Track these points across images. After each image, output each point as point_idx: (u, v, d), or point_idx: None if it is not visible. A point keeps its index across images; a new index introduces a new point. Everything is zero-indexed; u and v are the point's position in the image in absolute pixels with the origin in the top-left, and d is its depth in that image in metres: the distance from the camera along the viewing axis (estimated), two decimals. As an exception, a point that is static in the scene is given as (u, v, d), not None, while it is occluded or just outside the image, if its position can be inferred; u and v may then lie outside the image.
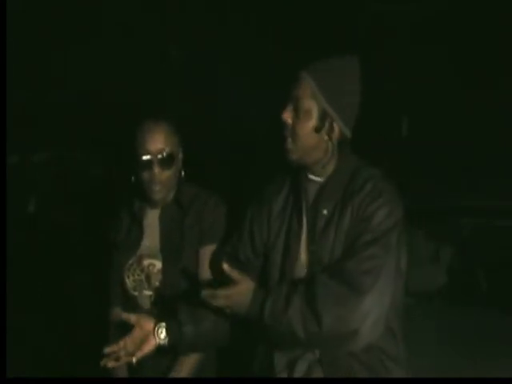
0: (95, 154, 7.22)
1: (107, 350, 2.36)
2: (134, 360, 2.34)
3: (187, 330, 2.39)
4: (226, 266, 2.21)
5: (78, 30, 7.63)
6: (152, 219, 2.76)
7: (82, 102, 7.42)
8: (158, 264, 2.69)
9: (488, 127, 6.73)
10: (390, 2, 7.68)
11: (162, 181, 2.66)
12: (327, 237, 2.29)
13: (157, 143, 2.64)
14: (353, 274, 2.19)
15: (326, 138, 2.32)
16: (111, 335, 2.79)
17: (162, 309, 2.45)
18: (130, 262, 2.73)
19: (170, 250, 2.68)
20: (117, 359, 2.35)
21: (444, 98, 7.07)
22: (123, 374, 2.76)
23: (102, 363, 2.35)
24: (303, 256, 2.33)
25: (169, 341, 2.37)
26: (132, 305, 2.71)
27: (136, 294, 2.70)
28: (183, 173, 2.74)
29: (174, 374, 2.66)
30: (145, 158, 2.64)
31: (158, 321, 2.38)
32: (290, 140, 2.33)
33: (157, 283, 2.68)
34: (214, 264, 2.56)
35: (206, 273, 2.61)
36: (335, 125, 2.32)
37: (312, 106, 2.31)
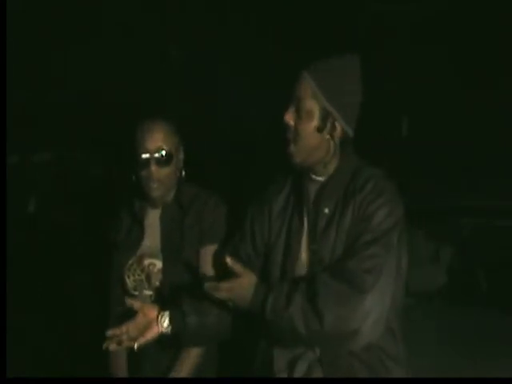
0: (95, 154, 7.22)
1: (110, 332, 2.36)
2: (136, 345, 2.34)
3: (190, 320, 2.39)
4: (229, 259, 2.22)
5: (78, 30, 7.62)
6: (153, 219, 2.76)
7: (82, 101, 7.42)
8: (159, 264, 2.69)
9: (488, 127, 6.73)
10: (390, 2, 7.68)
11: (159, 179, 2.67)
12: (328, 236, 2.29)
13: (155, 142, 2.66)
14: (354, 273, 2.19)
15: (328, 137, 2.32)
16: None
17: (164, 306, 2.44)
18: (131, 261, 2.74)
19: (170, 249, 2.69)
20: (119, 343, 2.34)
21: (444, 98, 7.07)
22: (123, 374, 2.77)
23: (104, 346, 2.36)
24: (304, 255, 2.34)
25: (171, 329, 2.38)
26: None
27: (136, 293, 2.70)
28: (183, 173, 2.74)
29: (174, 374, 2.66)
30: (143, 156, 2.65)
31: (161, 309, 2.38)
32: (292, 143, 2.33)
33: (157, 283, 2.68)
34: (216, 263, 2.56)
35: (206, 272, 2.62)
36: (337, 124, 2.32)
37: (313, 106, 2.31)
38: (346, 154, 2.37)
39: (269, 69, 7.29)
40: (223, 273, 2.26)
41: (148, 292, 2.71)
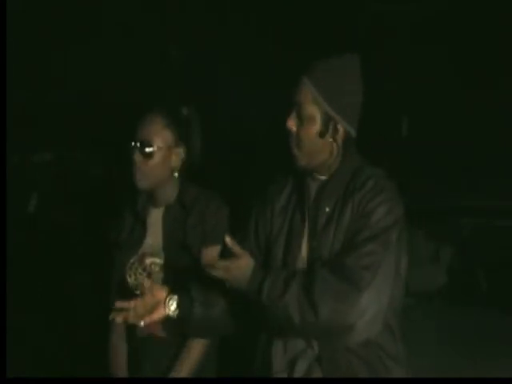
0: (95, 154, 7.22)
1: (117, 304, 2.36)
2: (142, 323, 2.34)
3: (198, 307, 2.39)
4: (228, 239, 2.22)
5: (78, 30, 7.62)
6: (155, 218, 2.76)
7: (82, 101, 7.42)
8: (160, 263, 2.69)
9: (488, 127, 6.73)
10: (390, 2, 7.68)
11: (142, 170, 2.68)
12: (327, 233, 2.30)
13: (143, 132, 2.68)
14: (351, 269, 2.19)
15: (330, 140, 2.33)
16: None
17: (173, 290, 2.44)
18: (132, 260, 2.74)
19: (172, 249, 2.69)
20: (125, 318, 2.34)
21: (444, 98, 7.07)
22: (123, 373, 2.77)
23: (111, 317, 2.35)
24: (304, 252, 2.35)
25: (178, 314, 2.38)
26: None
27: (137, 292, 2.70)
28: (176, 174, 2.72)
29: (174, 374, 2.66)
30: (132, 144, 2.68)
31: (170, 292, 2.39)
32: (296, 149, 2.34)
33: (159, 282, 2.68)
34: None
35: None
36: (339, 127, 2.33)
37: (315, 112, 2.31)
38: (349, 154, 2.37)
39: (269, 69, 7.29)
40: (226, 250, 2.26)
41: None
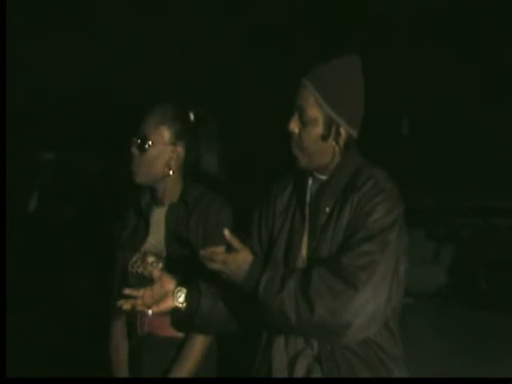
0: (96, 154, 7.22)
1: (126, 291, 2.37)
2: (150, 312, 2.34)
3: (205, 301, 2.39)
4: (226, 232, 2.23)
5: (79, 30, 7.63)
6: (158, 217, 2.76)
7: (83, 101, 7.43)
8: (162, 261, 2.69)
9: (488, 127, 6.73)
10: (390, 2, 7.68)
11: (137, 165, 2.70)
12: (327, 233, 2.30)
13: (141, 127, 2.71)
14: (348, 268, 2.20)
15: (333, 143, 2.33)
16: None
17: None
18: (135, 258, 2.74)
19: (174, 247, 2.69)
20: (133, 306, 2.35)
21: (444, 98, 7.07)
22: (124, 373, 2.77)
23: (119, 303, 2.36)
24: (304, 252, 2.35)
25: (185, 306, 2.38)
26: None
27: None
28: (171, 171, 2.73)
29: (175, 374, 2.66)
30: (133, 139, 2.71)
31: (179, 284, 2.39)
32: (297, 151, 2.34)
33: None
34: None
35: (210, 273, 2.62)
36: (342, 129, 2.33)
37: (317, 115, 2.31)
38: (349, 154, 2.37)
39: (269, 69, 7.30)
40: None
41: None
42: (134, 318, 2.72)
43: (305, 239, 2.36)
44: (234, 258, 2.24)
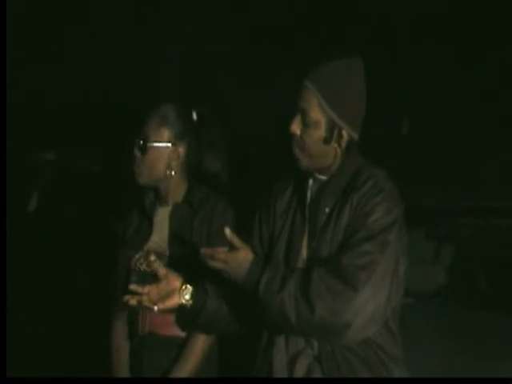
0: (96, 154, 7.22)
1: (132, 287, 2.37)
2: (156, 308, 2.35)
3: (211, 300, 2.40)
4: (227, 231, 2.23)
5: (79, 30, 7.63)
6: (162, 217, 2.77)
7: (83, 101, 7.43)
8: (165, 260, 2.69)
9: (488, 127, 6.73)
10: (390, 2, 7.67)
11: (139, 165, 2.72)
12: (327, 233, 2.30)
13: (143, 128, 2.72)
14: (348, 268, 2.20)
15: (335, 145, 2.33)
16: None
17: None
18: (138, 256, 2.74)
19: (177, 247, 2.70)
20: (139, 302, 2.35)
21: (444, 98, 7.07)
22: (125, 372, 2.77)
23: (125, 298, 2.36)
24: (304, 252, 2.35)
25: (191, 304, 2.38)
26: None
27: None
28: (173, 172, 2.73)
29: (176, 374, 2.66)
30: (136, 140, 2.72)
31: (185, 282, 2.39)
32: (299, 152, 2.34)
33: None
34: None
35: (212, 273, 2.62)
36: (344, 132, 2.33)
37: (319, 118, 2.31)
38: (350, 155, 2.37)
39: (269, 69, 7.29)
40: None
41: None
42: (135, 316, 2.72)
43: (305, 239, 2.36)
44: (235, 257, 2.24)
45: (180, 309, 2.40)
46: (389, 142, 6.80)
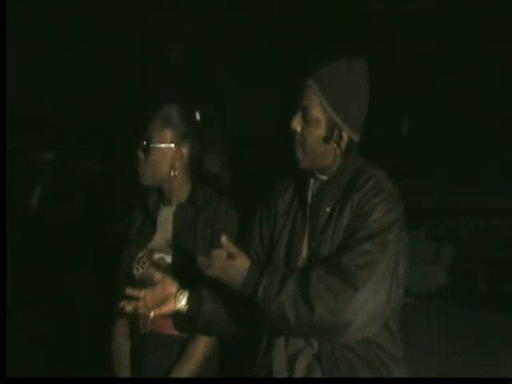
0: (96, 154, 7.22)
1: (128, 291, 2.37)
2: (152, 315, 2.35)
3: (207, 304, 2.40)
4: (223, 239, 2.23)
5: (79, 30, 7.63)
6: (166, 217, 2.78)
7: (83, 101, 7.42)
8: (168, 258, 2.70)
9: (488, 127, 6.73)
10: (390, 2, 7.67)
11: (143, 167, 2.73)
12: (327, 233, 2.31)
13: (146, 130, 2.74)
14: (347, 268, 2.20)
15: (334, 146, 2.34)
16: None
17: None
18: (141, 254, 2.75)
19: (181, 246, 2.70)
20: (135, 309, 2.35)
21: (444, 98, 7.07)
22: (126, 372, 2.77)
23: (121, 304, 2.37)
24: (305, 252, 2.35)
25: (187, 309, 2.38)
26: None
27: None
28: (176, 172, 2.73)
29: (177, 374, 2.66)
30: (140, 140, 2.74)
31: (181, 287, 2.39)
32: (299, 149, 2.34)
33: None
34: None
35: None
36: (344, 133, 2.33)
37: (320, 116, 2.32)
38: (351, 157, 2.37)
39: (269, 69, 7.29)
40: None
41: (155, 287, 2.70)
42: (136, 316, 2.72)
43: (306, 239, 2.36)
44: (232, 264, 2.24)
45: (177, 313, 2.40)
46: (389, 142, 6.79)
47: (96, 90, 7.48)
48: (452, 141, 6.75)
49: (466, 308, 4.06)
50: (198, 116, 2.80)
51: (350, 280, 2.19)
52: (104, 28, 7.70)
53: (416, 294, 3.86)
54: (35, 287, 5.72)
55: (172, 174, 2.73)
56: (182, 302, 2.39)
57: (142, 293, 2.36)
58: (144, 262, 2.73)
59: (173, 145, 2.72)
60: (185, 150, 2.74)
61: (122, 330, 2.82)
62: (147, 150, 2.72)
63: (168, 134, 2.73)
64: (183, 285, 2.42)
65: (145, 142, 2.72)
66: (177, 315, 2.42)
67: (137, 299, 2.36)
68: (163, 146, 2.72)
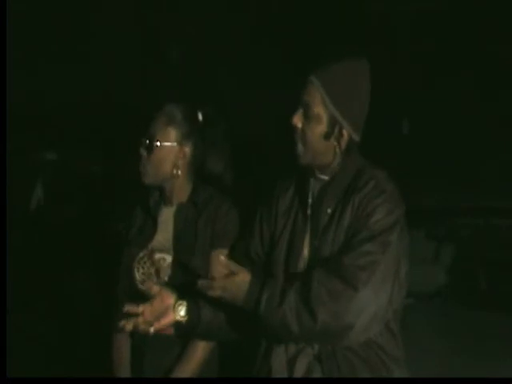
0: (96, 154, 7.22)
1: (126, 308, 2.36)
2: (152, 330, 2.34)
3: (206, 313, 2.40)
4: (222, 259, 2.23)
5: (79, 30, 7.63)
6: (166, 216, 2.77)
7: (83, 101, 7.42)
8: (169, 258, 2.70)
9: (488, 127, 6.73)
10: (390, 2, 7.67)
11: (145, 165, 2.72)
12: (328, 234, 2.31)
13: (149, 128, 2.73)
14: (348, 269, 2.20)
15: (335, 143, 2.34)
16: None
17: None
18: (141, 254, 2.75)
19: (181, 246, 2.70)
20: (135, 326, 2.34)
21: (444, 98, 7.07)
22: (126, 371, 2.77)
23: (121, 324, 2.35)
24: (306, 252, 2.35)
25: (187, 320, 2.38)
26: (139, 299, 2.70)
27: (144, 288, 2.70)
28: (179, 172, 2.73)
29: (178, 374, 2.66)
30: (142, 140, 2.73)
31: (178, 298, 2.38)
32: (300, 145, 2.35)
33: (166, 278, 2.68)
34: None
35: (215, 275, 2.61)
36: (344, 131, 2.34)
37: (321, 113, 2.32)
38: (351, 155, 2.37)
39: (269, 69, 7.29)
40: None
41: (156, 286, 2.70)
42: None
43: (306, 240, 2.36)
44: (233, 281, 2.23)
45: (177, 324, 2.39)
46: (389, 142, 6.79)
47: (96, 90, 7.48)
48: (452, 141, 6.75)
49: (465, 308, 4.06)
50: (200, 116, 2.80)
51: (351, 280, 2.19)
52: (104, 28, 7.70)
53: (416, 294, 3.85)
54: (35, 287, 5.72)
55: (175, 172, 2.73)
56: (181, 313, 2.38)
57: (141, 308, 2.35)
58: (145, 262, 2.73)
59: (176, 144, 2.73)
60: (187, 150, 2.74)
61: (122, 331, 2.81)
62: (150, 149, 2.71)
63: (172, 132, 2.73)
64: (184, 287, 2.41)
65: (148, 141, 2.72)
66: (177, 326, 2.42)
67: (136, 315, 2.35)
68: (167, 144, 2.71)
